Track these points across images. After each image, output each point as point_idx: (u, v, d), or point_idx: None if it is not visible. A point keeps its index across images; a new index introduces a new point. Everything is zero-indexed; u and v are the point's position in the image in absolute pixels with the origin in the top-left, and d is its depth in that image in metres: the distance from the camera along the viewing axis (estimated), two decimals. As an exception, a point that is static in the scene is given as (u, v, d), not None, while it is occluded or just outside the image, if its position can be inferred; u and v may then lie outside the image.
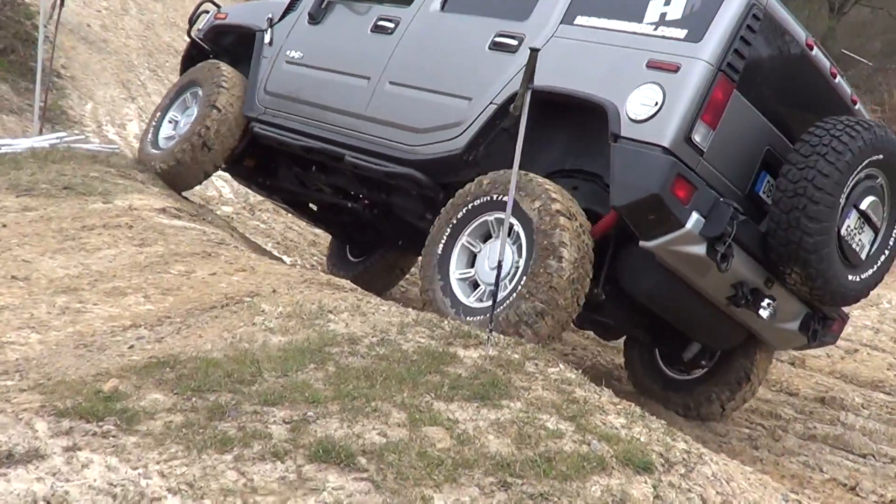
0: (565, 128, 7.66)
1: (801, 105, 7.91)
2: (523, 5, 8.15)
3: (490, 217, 7.39)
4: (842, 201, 7.12)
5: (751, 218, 7.31)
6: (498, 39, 8.10)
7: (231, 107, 9.84)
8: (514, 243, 7.20)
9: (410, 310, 6.61)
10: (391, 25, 8.91)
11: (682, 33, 7.21)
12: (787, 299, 7.84)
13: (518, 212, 7.11)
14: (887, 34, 40.60)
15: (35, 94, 13.16)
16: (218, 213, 13.39)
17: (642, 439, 5.11)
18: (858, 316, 14.45)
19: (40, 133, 12.25)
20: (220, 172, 10.83)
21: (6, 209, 8.51)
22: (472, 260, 7.49)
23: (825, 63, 7.93)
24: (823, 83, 7.98)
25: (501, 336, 6.19)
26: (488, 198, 7.37)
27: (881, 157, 7.32)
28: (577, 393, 5.51)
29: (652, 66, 7.16)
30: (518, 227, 7.18)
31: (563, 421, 5.10)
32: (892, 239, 7.81)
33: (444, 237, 7.51)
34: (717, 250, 6.93)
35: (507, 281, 7.10)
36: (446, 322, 6.30)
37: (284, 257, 12.35)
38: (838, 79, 8.06)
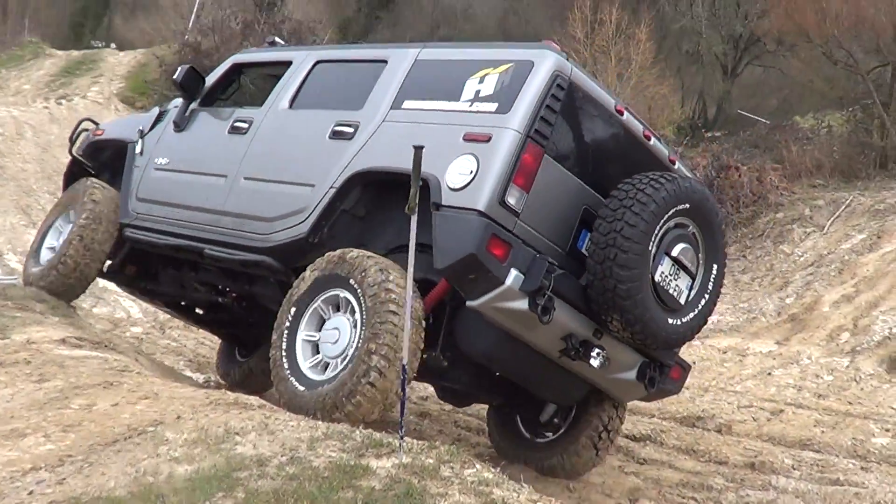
0: (402, 205, 7.84)
1: (616, 166, 8.21)
2: (358, 96, 8.78)
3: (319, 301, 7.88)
4: (652, 249, 7.58)
5: (575, 273, 7.73)
6: (337, 129, 8.66)
7: (100, 218, 10.19)
8: (352, 315, 7.63)
9: (320, 422, 6.44)
10: (245, 126, 9.50)
11: (493, 107, 7.79)
12: (619, 349, 8.15)
13: (336, 282, 7.73)
14: (782, 91, 41.47)
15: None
16: (127, 334, 13.18)
17: (565, 536, 4.98)
18: (780, 375, 14.51)
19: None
20: (127, 294, 10.84)
21: None
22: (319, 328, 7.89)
23: (637, 126, 8.45)
24: (637, 145, 8.46)
25: (415, 441, 6.06)
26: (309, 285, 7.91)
27: (688, 206, 7.79)
28: (496, 493, 5.36)
29: (468, 138, 7.71)
30: (347, 295, 7.67)
31: (483, 526, 4.95)
32: (712, 283, 8.18)
33: (291, 314, 7.93)
34: (537, 303, 7.32)
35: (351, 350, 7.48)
36: (357, 432, 6.15)
37: (197, 375, 12.10)
38: (653, 140, 8.57)
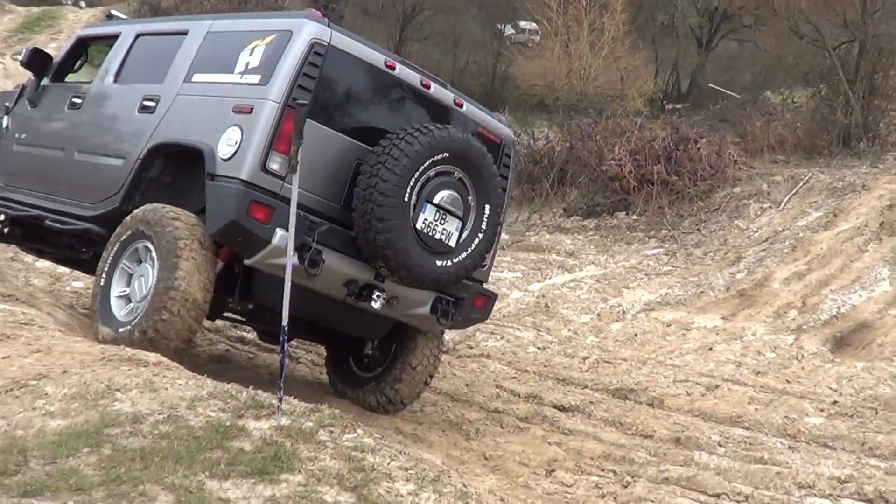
0: (201, 173, 8.35)
1: (394, 119, 8.70)
2: (161, 69, 9.28)
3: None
4: (411, 200, 8.11)
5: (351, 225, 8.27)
6: (144, 102, 9.17)
7: None
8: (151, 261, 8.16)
9: (209, 381, 6.33)
10: (80, 101, 10.08)
11: (257, 78, 8.29)
12: (405, 289, 8.66)
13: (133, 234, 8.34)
14: (756, 66, 41.34)
15: None
16: (67, 289, 13.05)
17: (431, 506, 4.87)
18: (721, 350, 14.42)
19: None
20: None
21: None
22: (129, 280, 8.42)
23: (414, 77, 8.86)
24: (415, 95, 8.90)
25: (299, 403, 5.96)
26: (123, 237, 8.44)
27: (446, 154, 8.28)
28: (368, 460, 5.26)
29: (236, 110, 8.23)
30: (146, 244, 8.22)
31: (344, 492, 4.85)
32: (486, 223, 8.66)
33: (107, 264, 8.50)
34: (304, 257, 7.88)
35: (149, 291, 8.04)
36: (244, 392, 6.04)
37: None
38: (433, 87, 8.95)
